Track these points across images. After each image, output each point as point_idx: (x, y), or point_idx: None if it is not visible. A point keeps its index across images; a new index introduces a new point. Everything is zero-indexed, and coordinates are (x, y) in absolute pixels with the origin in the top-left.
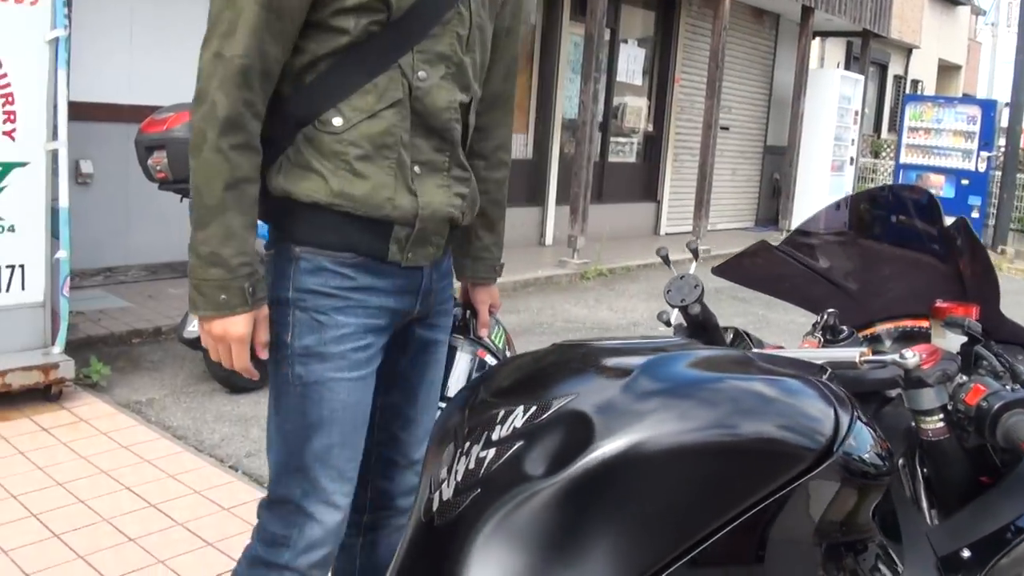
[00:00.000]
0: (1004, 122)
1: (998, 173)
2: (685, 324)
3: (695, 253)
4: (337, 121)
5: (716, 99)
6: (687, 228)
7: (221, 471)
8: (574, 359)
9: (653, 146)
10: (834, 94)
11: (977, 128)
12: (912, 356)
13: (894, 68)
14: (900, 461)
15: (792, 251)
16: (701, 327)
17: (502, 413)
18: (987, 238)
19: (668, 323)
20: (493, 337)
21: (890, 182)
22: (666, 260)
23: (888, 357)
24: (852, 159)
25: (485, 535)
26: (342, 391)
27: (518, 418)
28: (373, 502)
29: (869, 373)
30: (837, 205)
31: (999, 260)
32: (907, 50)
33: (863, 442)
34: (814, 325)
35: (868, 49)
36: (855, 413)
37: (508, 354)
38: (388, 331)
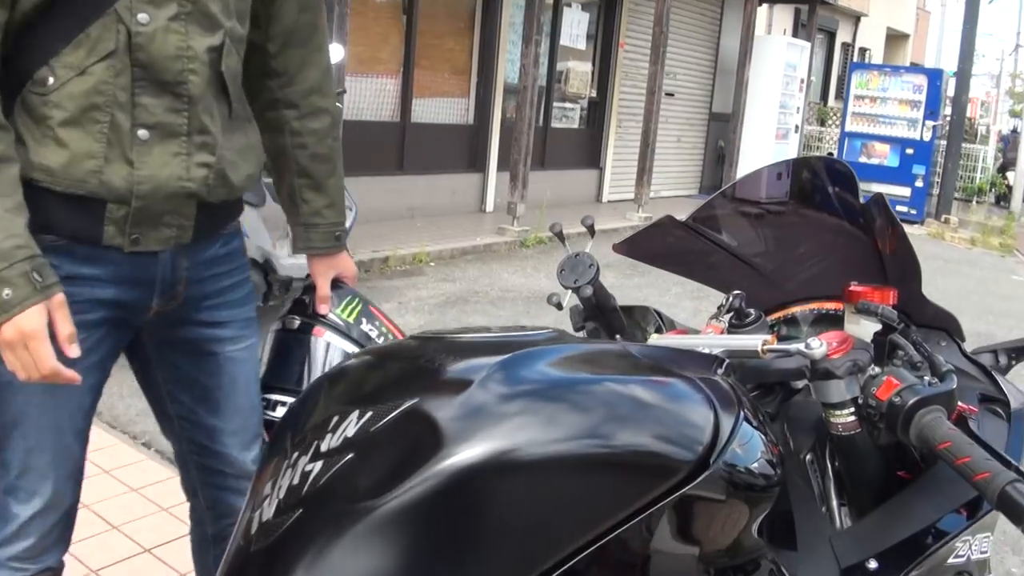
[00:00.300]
0: (950, 92)
1: (943, 142)
2: (581, 307)
3: (591, 230)
4: (50, 80)
5: (660, 65)
6: (630, 195)
7: (133, 449)
8: (425, 355)
9: (597, 112)
10: (780, 61)
11: (923, 97)
12: (819, 345)
13: (842, 36)
14: (808, 456)
15: (700, 227)
16: (597, 310)
17: (335, 419)
18: (931, 207)
19: (559, 306)
20: (341, 312)
21: (835, 150)
22: (560, 236)
23: (793, 346)
24: (797, 127)
25: (305, 565)
26: (35, 393)
27: (351, 425)
28: (211, 511)
29: (773, 362)
30: (753, 177)
31: (942, 229)
32: (855, 18)
33: (751, 449)
34: (719, 308)
35: (815, 16)
36: (742, 415)
37: (370, 330)
38: (112, 327)
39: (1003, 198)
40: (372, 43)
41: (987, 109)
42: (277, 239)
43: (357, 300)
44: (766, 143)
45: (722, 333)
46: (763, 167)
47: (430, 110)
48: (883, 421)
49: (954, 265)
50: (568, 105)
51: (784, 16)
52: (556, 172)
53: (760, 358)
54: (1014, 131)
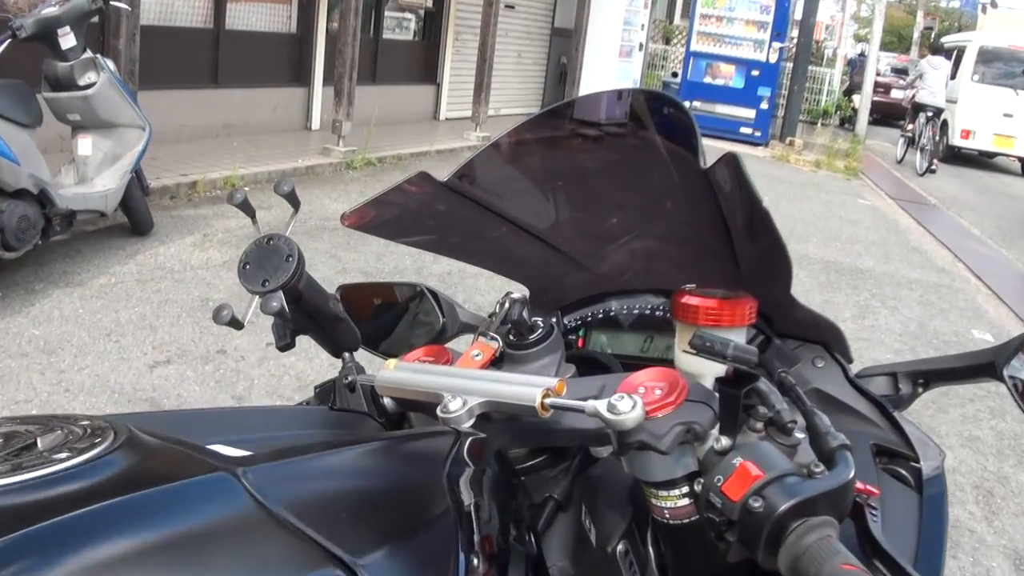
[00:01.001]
0: (798, 14)
1: (789, 64)
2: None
3: (291, 199)
4: None
5: None
6: (469, 112)
7: None
8: None
9: (433, 23)
10: None
11: (770, 19)
12: (630, 407)
13: None
14: (620, 547)
15: (472, 188)
16: (309, 318)
17: None
18: (776, 129)
19: (236, 323)
20: None
21: (679, 70)
22: (245, 207)
23: (589, 404)
24: (641, 44)
25: None
26: None
27: None
28: None
29: (563, 420)
30: (547, 118)
31: (787, 151)
32: None
33: None
34: (491, 316)
35: None
36: None
37: None
38: None
39: (848, 121)
40: None
41: (832, 33)
42: (60, 164)
43: None
44: (609, 61)
45: (493, 357)
46: (564, 102)
47: (248, 16)
48: (734, 532)
49: (799, 188)
50: (405, 15)
51: None
52: (389, 87)
53: (540, 417)
54: (861, 55)
